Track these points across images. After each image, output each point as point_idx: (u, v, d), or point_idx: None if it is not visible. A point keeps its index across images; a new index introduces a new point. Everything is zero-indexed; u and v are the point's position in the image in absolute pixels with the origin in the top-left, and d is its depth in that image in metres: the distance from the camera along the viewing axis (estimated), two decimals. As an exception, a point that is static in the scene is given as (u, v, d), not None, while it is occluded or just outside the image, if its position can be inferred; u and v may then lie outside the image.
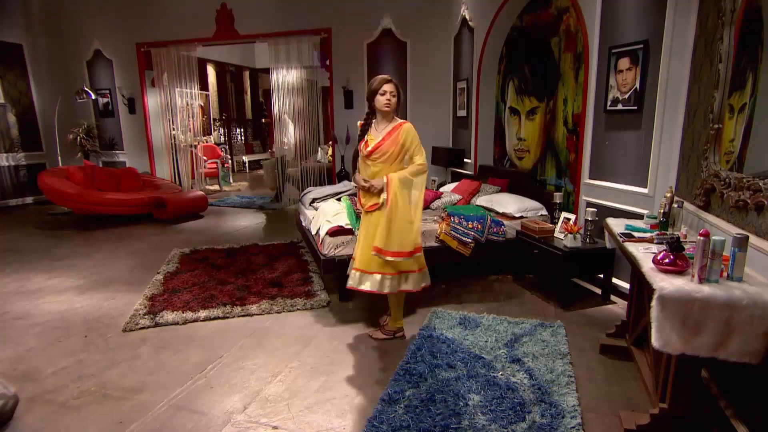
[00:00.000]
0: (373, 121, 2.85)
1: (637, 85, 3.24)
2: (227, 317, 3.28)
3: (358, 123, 2.97)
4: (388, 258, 2.72)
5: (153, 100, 8.01)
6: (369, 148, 2.78)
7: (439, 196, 4.60)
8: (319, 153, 8.63)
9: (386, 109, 2.75)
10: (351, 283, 2.86)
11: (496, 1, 4.94)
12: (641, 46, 3.18)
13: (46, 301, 3.61)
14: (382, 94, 2.73)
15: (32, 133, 7.75)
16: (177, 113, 8.09)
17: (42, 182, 6.10)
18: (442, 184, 5.72)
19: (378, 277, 2.78)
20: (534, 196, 4.38)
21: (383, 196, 2.72)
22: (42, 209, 7.25)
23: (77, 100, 7.30)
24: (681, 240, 1.92)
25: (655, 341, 1.68)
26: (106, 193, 6.44)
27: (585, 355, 2.71)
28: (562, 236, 3.53)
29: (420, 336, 2.93)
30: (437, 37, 6.35)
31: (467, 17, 5.58)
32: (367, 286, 2.81)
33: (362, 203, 2.87)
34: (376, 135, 2.81)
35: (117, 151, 8.21)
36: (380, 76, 2.80)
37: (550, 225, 3.75)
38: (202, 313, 3.29)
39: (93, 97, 7.39)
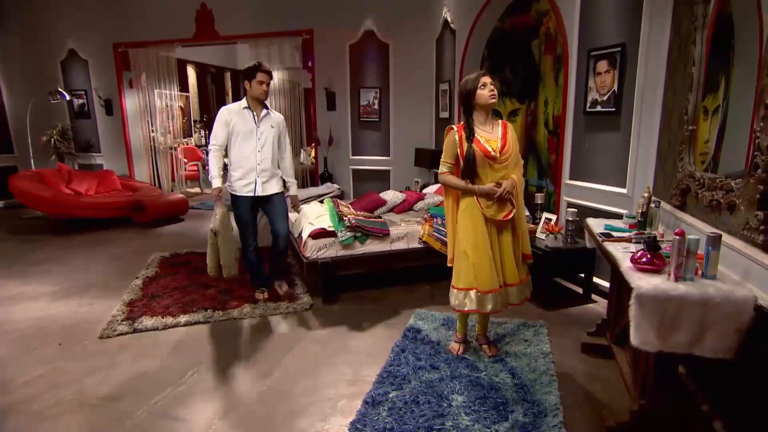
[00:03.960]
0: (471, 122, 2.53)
1: (615, 87, 3.30)
2: (208, 322, 3.23)
3: (454, 128, 2.55)
4: (529, 262, 2.68)
5: (131, 102, 7.85)
6: (497, 150, 2.48)
7: (422, 198, 4.60)
8: (302, 155, 8.57)
9: (492, 101, 2.47)
10: (472, 306, 2.51)
11: (476, 4, 4.98)
12: (619, 49, 3.24)
13: (20, 308, 3.50)
14: (482, 87, 2.45)
15: (3, 134, 7.50)
16: (156, 115, 7.95)
17: (14, 185, 5.92)
18: (425, 186, 5.74)
19: (522, 286, 2.64)
20: (516, 197, 4.42)
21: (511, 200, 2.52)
22: (15, 213, 7.03)
23: (51, 101, 7.11)
24: (658, 239, 1.95)
25: (633, 339, 1.71)
26: (83, 196, 6.29)
27: (567, 354, 2.75)
28: (543, 236, 3.57)
29: (404, 338, 2.93)
30: (419, 39, 6.37)
31: (449, 19, 5.61)
32: (513, 299, 2.59)
33: (490, 214, 2.48)
34: (489, 135, 2.52)
35: (93, 153, 8.01)
36: (474, 74, 2.51)
37: (532, 225, 3.78)
38: (183, 318, 3.23)
39: (67, 98, 7.20)
